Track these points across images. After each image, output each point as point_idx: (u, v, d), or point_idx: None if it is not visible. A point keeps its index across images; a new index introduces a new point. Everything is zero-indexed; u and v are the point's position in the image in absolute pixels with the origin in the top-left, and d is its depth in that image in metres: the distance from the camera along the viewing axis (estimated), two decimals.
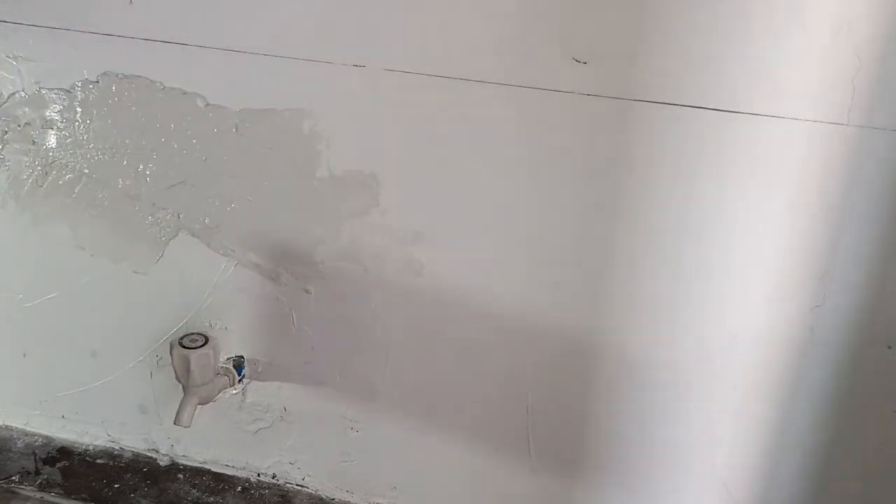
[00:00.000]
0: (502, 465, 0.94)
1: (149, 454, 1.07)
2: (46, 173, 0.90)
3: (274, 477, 1.03)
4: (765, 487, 0.84)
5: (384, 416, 0.93)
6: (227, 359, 0.96)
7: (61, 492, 1.04)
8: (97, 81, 0.82)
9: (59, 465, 1.08)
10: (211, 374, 0.92)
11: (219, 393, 0.94)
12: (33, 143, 0.88)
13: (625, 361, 0.82)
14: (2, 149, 0.90)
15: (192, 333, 0.93)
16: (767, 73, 0.64)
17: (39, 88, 0.84)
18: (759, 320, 0.75)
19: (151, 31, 0.77)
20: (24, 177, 0.91)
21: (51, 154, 0.88)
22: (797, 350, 0.76)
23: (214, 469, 1.05)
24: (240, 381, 0.96)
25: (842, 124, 0.64)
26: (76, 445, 1.10)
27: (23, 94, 0.85)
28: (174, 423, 0.89)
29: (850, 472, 0.81)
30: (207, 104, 0.80)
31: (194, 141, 0.83)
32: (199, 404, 0.92)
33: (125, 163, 0.86)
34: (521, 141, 0.74)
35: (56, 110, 0.85)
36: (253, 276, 0.89)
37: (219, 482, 1.05)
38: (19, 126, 0.87)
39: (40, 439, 1.11)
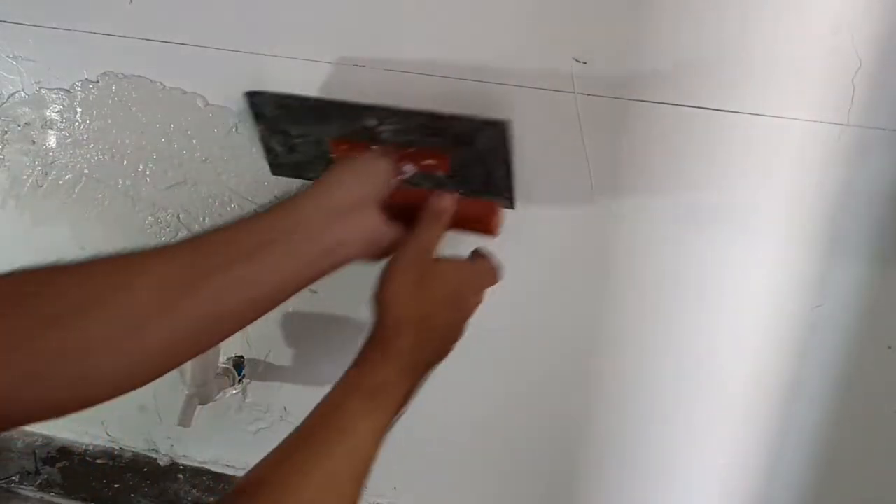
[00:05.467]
0: (503, 464, 0.94)
1: (149, 454, 1.08)
2: (46, 173, 0.90)
3: None
4: (765, 487, 0.84)
5: None
6: (227, 359, 0.96)
7: (61, 492, 1.04)
8: (97, 81, 0.82)
9: (58, 465, 1.08)
10: (211, 374, 0.92)
11: (219, 393, 0.94)
12: (33, 143, 0.88)
13: (624, 361, 0.82)
14: (2, 149, 0.90)
15: None
16: (767, 72, 0.64)
17: (39, 88, 0.84)
18: (759, 320, 0.75)
19: (151, 31, 0.77)
20: (24, 177, 0.91)
21: (51, 154, 0.88)
22: (797, 350, 0.76)
23: (214, 469, 1.05)
24: (240, 381, 0.96)
25: (842, 124, 0.64)
26: (76, 445, 1.10)
27: (23, 94, 0.85)
28: (176, 424, 0.90)
29: (850, 472, 0.81)
30: (207, 104, 0.80)
31: (194, 141, 0.83)
32: (199, 404, 0.92)
33: (125, 163, 0.87)
34: (520, 140, 0.74)
35: (56, 110, 0.85)
36: None
37: (219, 482, 1.05)
38: (19, 126, 0.88)
39: (40, 439, 1.11)
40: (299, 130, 0.76)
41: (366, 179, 0.63)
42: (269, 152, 0.80)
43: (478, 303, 0.63)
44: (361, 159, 0.66)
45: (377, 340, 0.57)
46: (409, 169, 0.69)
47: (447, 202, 0.64)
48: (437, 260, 0.62)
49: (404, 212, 0.63)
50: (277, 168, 0.81)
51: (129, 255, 0.51)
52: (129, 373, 0.48)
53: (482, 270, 0.65)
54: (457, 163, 0.70)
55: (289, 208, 0.58)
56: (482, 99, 0.70)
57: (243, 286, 0.52)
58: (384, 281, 0.59)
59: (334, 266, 0.59)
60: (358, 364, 0.56)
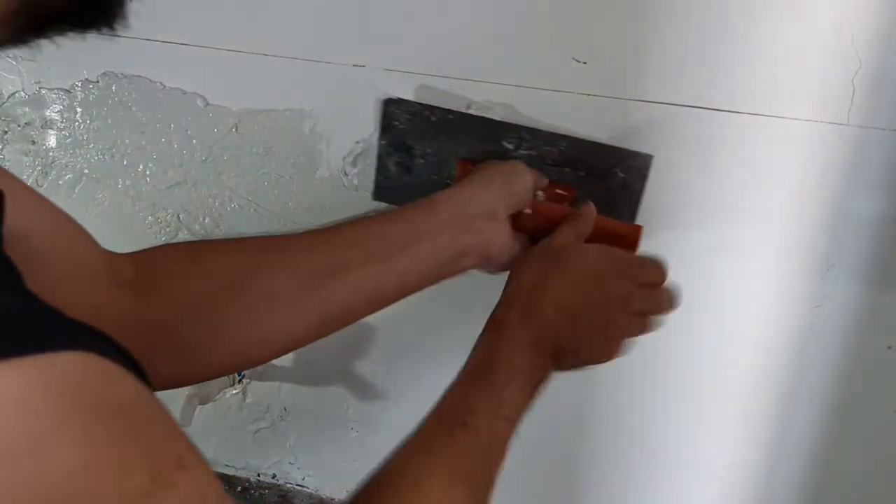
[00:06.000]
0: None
1: None
2: (46, 173, 0.90)
3: (274, 477, 1.03)
4: (765, 487, 0.84)
5: (384, 416, 0.93)
6: None
7: None
8: (97, 81, 0.82)
9: None
10: None
11: (219, 393, 0.94)
12: (33, 143, 0.88)
13: (624, 361, 0.82)
14: (2, 149, 0.90)
15: None
16: (767, 72, 0.64)
17: (39, 88, 0.84)
18: (759, 320, 0.75)
19: (151, 31, 0.77)
20: (24, 177, 0.91)
21: (51, 154, 0.88)
22: (797, 350, 0.76)
23: (214, 469, 1.05)
24: (240, 381, 0.96)
25: (842, 124, 0.64)
26: None
27: (23, 94, 0.85)
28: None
29: (849, 472, 0.81)
30: (207, 104, 0.80)
31: (194, 141, 0.83)
32: (200, 404, 0.92)
33: (125, 163, 0.87)
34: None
35: (56, 110, 0.85)
36: None
37: None
38: (19, 126, 0.88)
39: None
40: (426, 147, 0.72)
41: (508, 192, 0.61)
42: (382, 172, 0.76)
43: (626, 290, 0.57)
44: (508, 168, 0.63)
45: (490, 320, 0.56)
46: (539, 195, 0.67)
47: (591, 212, 0.62)
48: (570, 245, 0.59)
49: (532, 226, 0.62)
50: (383, 191, 0.77)
51: (272, 241, 0.54)
52: (257, 351, 0.54)
53: (635, 260, 0.59)
54: (585, 196, 0.67)
55: (426, 212, 0.57)
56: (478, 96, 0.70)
57: (372, 284, 0.55)
58: (514, 263, 0.59)
59: (454, 273, 0.59)
60: (477, 346, 0.56)
